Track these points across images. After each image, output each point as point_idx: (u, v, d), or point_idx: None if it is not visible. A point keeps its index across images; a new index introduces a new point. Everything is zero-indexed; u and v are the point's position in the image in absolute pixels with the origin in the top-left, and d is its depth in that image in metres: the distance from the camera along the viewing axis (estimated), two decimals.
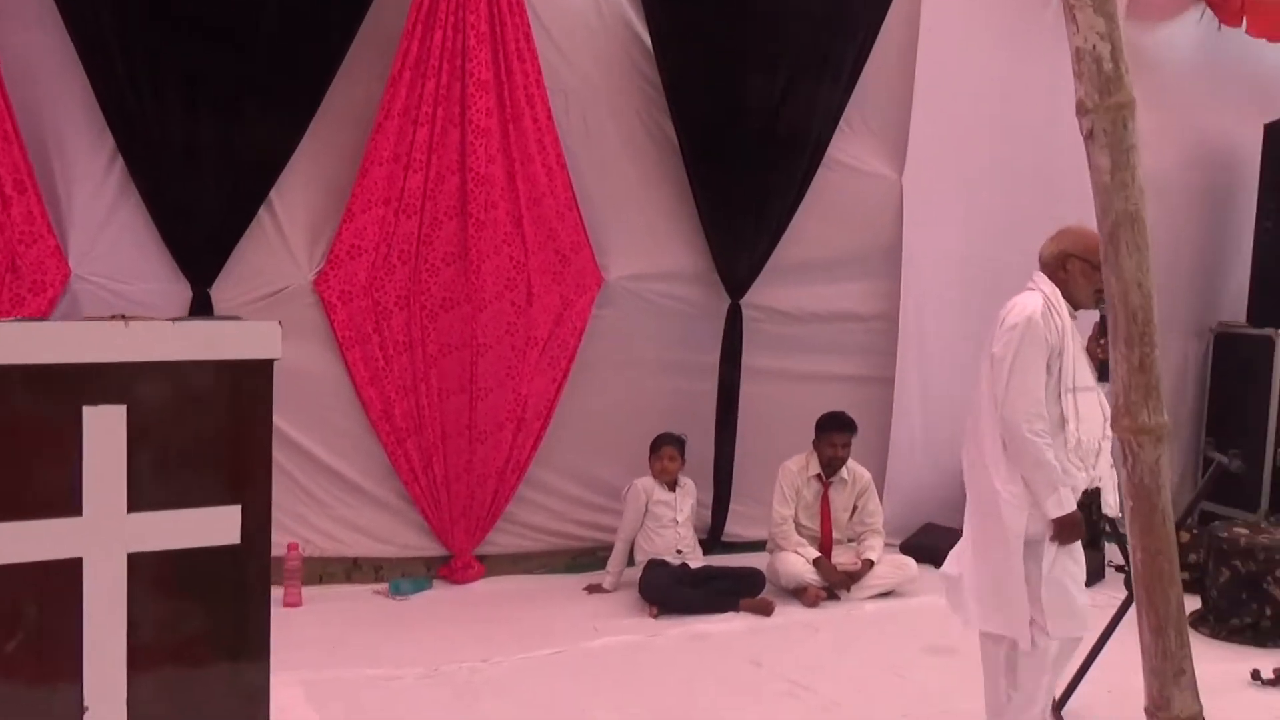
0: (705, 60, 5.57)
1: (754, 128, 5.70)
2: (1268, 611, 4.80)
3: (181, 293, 4.92)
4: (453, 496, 5.38)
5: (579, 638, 4.63)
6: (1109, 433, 2.94)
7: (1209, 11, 6.68)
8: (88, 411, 1.74)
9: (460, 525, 5.41)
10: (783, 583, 5.29)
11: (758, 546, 5.68)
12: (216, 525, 1.85)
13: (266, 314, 4.72)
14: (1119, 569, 5.57)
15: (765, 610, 5.04)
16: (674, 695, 4.09)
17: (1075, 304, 3.36)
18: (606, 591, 5.29)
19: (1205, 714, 1.88)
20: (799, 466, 5.46)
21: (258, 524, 1.88)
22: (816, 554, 5.32)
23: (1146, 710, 1.86)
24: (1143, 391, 1.83)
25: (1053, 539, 3.25)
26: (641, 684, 4.18)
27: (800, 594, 5.24)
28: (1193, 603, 4.81)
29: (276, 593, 4.86)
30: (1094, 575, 5.06)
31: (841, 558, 5.40)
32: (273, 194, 5.03)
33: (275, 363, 1.94)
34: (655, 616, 4.95)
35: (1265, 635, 4.79)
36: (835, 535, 5.47)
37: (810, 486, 5.46)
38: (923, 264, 6.14)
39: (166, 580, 1.84)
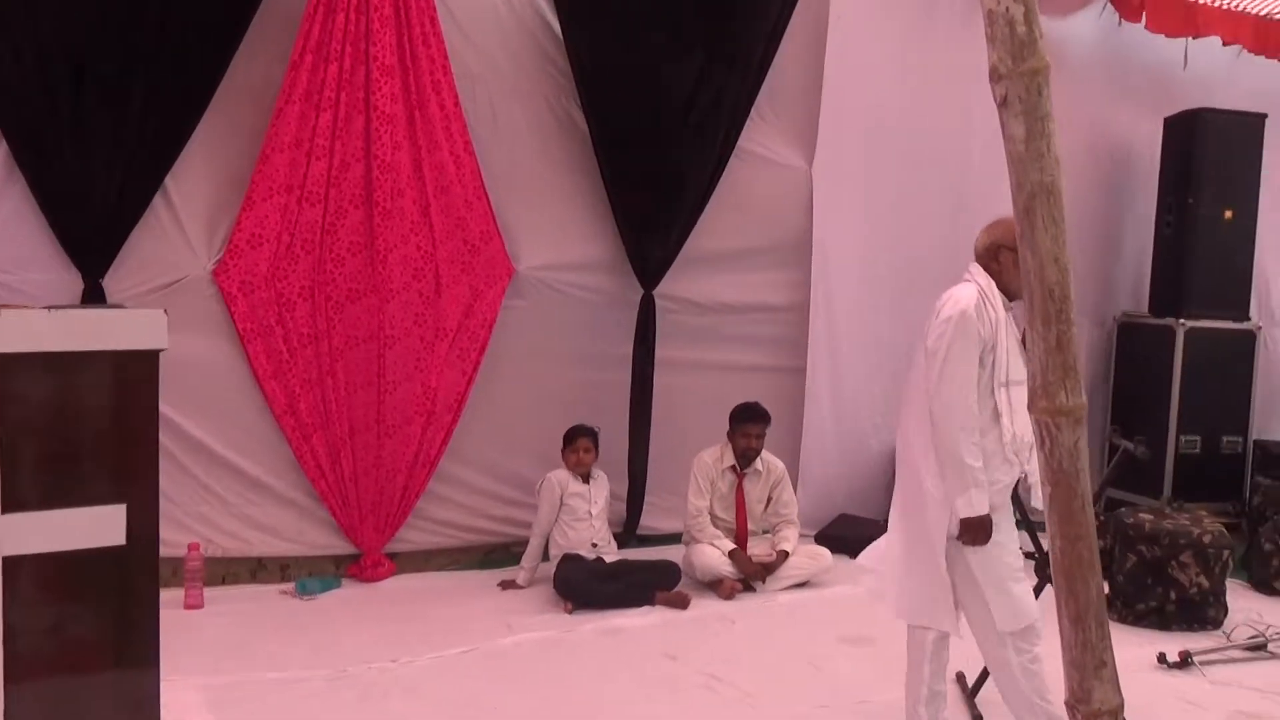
0: (615, 47, 5.48)
1: (665, 116, 5.64)
2: (1173, 595, 4.89)
3: (72, 284, 4.76)
4: (361, 492, 5.27)
5: (492, 635, 4.56)
6: None
7: (1109, 7, 6.81)
8: None
9: (369, 522, 5.30)
10: (698, 575, 5.27)
11: (673, 539, 5.64)
12: (99, 525, 1.77)
13: (163, 305, 4.52)
14: (1029, 556, 5.65)
15: (681, 603, 5.02)
16: (589, 691, 4.04)
17: (1010, 295, 3.30)
18: (521, 587, 5.21)
19: None
20: (714, 458, 5.44)
21: (144, 523, 1.80)
22: (732, 546, 5.30)
23: (1067, 703, 1.81)
24: (1060, 371, 1.77)
25: (958, 537, 3.23)
26: (556, 680, 4.13)
27: (716, 586, 5.22)
28: None
29: (177, 595, 4.74)
30: None
31: (757, 549, 5.39)
32: (168, 180, 4.89)
33: (167, 354, 1.86)
34: (570, 612, 4.89)
35: (1170, 619, 4.88)
36: (750, 526, 5.46)
37: (725, 478, 5.44)
38: (832, 254, 6.17)
39: (46, 584, 1.76)
